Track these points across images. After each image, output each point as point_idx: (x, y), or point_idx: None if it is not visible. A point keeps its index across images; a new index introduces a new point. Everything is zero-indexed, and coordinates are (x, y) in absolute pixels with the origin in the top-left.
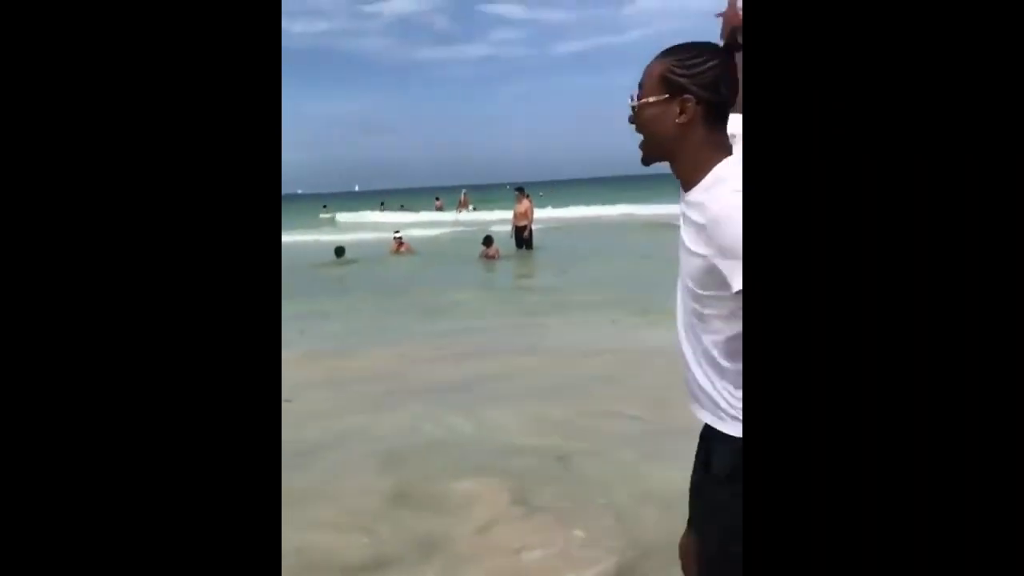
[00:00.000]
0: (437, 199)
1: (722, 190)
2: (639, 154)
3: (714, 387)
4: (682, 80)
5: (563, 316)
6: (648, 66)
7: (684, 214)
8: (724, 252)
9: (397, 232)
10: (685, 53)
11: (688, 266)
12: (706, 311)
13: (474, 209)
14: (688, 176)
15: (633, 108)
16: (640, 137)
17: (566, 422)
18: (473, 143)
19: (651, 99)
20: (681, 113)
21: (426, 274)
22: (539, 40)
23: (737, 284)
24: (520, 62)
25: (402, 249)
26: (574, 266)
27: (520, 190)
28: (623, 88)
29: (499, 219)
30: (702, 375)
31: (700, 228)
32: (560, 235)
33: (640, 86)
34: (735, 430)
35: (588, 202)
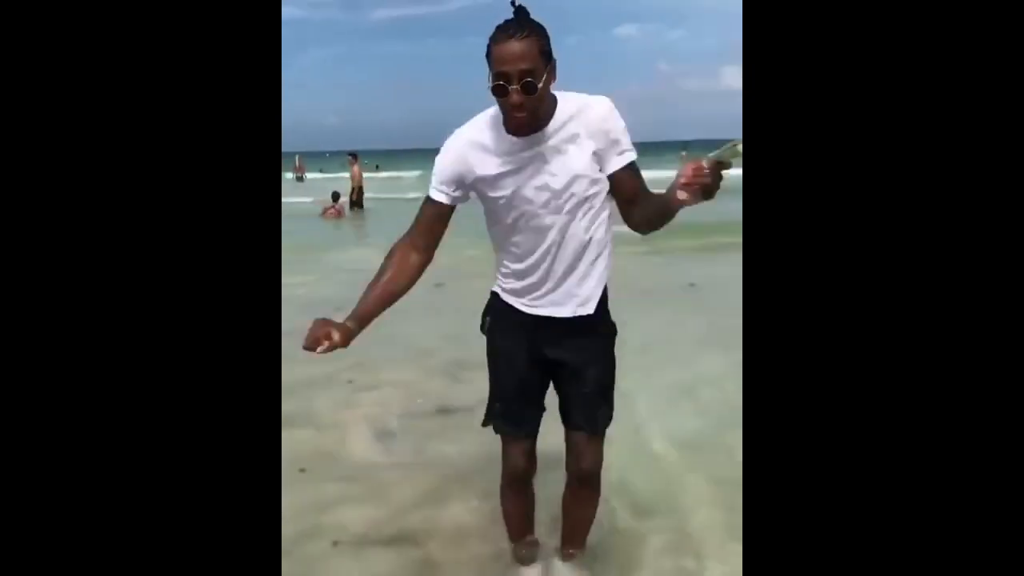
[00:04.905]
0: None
1: (580, 103)
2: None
3: (590, 271)
4: (549, 49)
5: None
6: (522, 49)
7: (551, 142)
8: (620, 133)
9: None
10: (535, 25)
11: (569, 174)
12: (593, 201)
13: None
14: (542, 117)
15: (537, 88)
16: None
17: None
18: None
19: (546, 74)
20: (551, 75)
21: None
22: (356, 3)
23: (631, 151)
24: (336, 25)
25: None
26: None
27: (352, 155)
28: (441, 58)
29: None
30: (584, 267)
31: (586, 127)
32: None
33: (522, 70)
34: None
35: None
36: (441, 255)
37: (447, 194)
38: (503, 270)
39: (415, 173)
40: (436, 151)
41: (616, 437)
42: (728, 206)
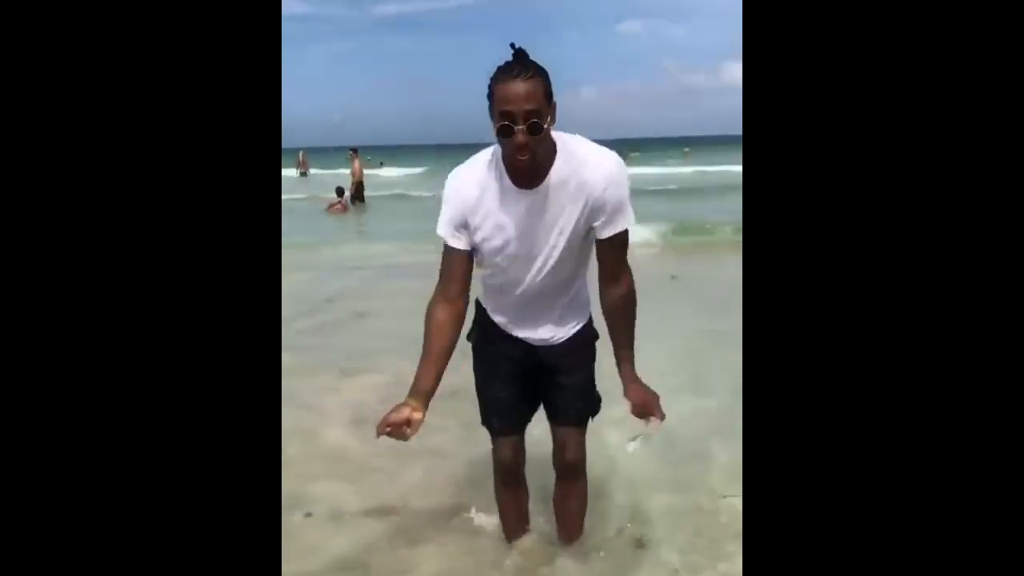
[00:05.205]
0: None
1: (581, 159)
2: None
3: (567, 310)
4: (551, 90)
5: None
6: (528, 89)
7: (548, 199)
8: (617, 204)
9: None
10: (538, 66)
11: (560, 232)
12: (576, 257)
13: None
14: (544, 163)
15: (543, 128)
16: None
17: None
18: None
19: (549, 116)
20: (553, 117)
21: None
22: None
23: (624, 222)
24: (341, 21)
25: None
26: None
27: (353, 151)
28: (444, 53)
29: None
30: (561, 308)
31: (583, 192)
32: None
33: (527, 110)
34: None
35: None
36: (434, 254)
37: (465, 239)
38: (487, 299)
39: (419, 169)
40: (440, 147)
41: (607, 424)
42: (700, 207)
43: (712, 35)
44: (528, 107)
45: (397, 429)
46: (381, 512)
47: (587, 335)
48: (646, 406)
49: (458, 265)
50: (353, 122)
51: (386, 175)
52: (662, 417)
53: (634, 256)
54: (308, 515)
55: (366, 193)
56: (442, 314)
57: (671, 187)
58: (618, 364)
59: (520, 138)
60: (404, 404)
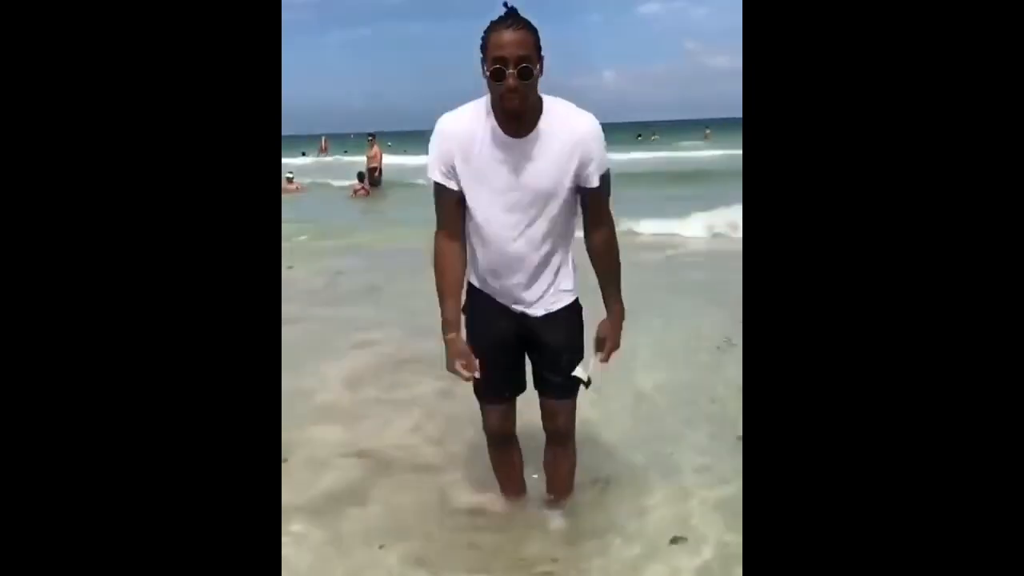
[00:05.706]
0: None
1: (568, 114)
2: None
3: (551, 277)
4: (540, 45)
5: None
6: (519, 38)
7: (535, 147)
8: (600, 155)
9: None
10: (528, 22)
11: (544, 180)
12: (561, 213)
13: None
14: (531, 115)
15: (532, 73)
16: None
17: None
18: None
19: (539, 66)
20: (541, 70)
21: None
22: None
23: (604, 167)
24: (358, 6)
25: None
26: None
27: (371, 137)
28: (462, 37)
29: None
30: (544, 275)
31: (570, 143)
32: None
33: (519, 56)
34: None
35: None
36: (428, 239)
37: (455, 182)
38: (475, 268)
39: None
40: None
41: (598, 391)
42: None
43: (734, 16)
44: (520, 52)
45: (470, 364)
46: (358, 455)
47: (573, 311)
48: (603, 337)
49: (452, 204)
50: (373, 110)
51: (401, 162)
52: (606, 358)
53: (637, 240)
54: (285, 460)
55: (382, 178)
56: (448, 250)
57: (688, 169)
58: (605, 301)
59: (511, 82)
60: (452, 343)
